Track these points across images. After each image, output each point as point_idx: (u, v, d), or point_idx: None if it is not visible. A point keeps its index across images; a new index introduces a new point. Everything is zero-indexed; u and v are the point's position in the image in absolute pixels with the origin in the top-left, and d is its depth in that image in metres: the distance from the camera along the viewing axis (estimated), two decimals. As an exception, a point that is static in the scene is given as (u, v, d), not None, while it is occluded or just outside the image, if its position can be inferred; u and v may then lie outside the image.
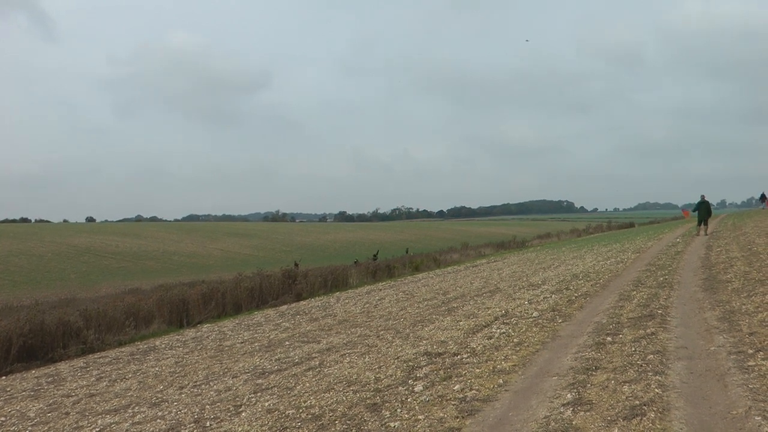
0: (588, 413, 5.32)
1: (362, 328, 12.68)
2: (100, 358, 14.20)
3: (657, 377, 6.08)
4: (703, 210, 27.53)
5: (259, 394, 8.14)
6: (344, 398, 7.00)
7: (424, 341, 9.70)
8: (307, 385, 8.12)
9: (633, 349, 7.27)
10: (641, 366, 6.51)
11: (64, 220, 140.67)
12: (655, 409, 5.21)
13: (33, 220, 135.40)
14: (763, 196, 55.52)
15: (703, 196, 28.11)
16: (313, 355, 10.44)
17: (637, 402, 5.41)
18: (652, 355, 6.88)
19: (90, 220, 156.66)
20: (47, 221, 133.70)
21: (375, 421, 6.01)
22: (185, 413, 7.80)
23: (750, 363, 6.22)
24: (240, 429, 6.66)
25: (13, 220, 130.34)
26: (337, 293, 22.61)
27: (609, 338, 7.97)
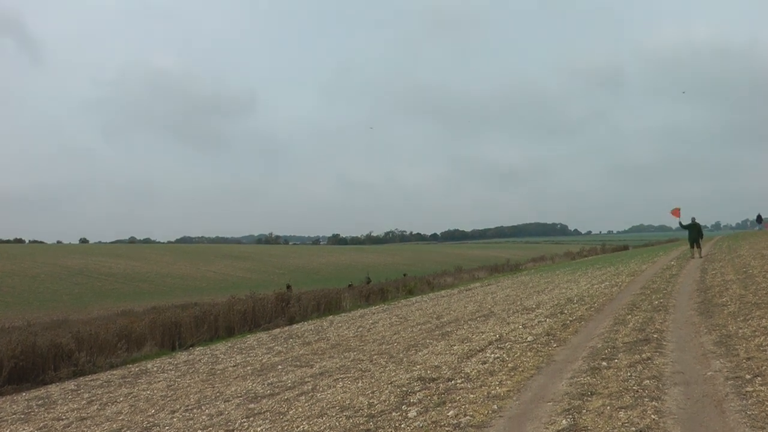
0: (584, 440, 5.26)
1: (355, 353, 12.59)
2: (91, 380, 14.06)
3: (653, 403, 6.03)
4: (694, 232, 27.64)
5: (251, 418, 8.04)
6: (337, 424, 6.91)
7: (418, 366, 9.62)
8: (300, 410, 8.02)
9: (629, 374, 7.21)
10: (637, 391, 6.45)
11: (58, 241, 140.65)
12: (651, 435, 5.15)
13: (27, 241, 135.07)
14: (759, 218, 55.71)
15: (693, 218, 28.24)
16: (306, 379, 10.34)
17: (634, 428, 5.35)
18: (648, 381, 6.83)
19: (83, 241, 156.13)
20: (41, 242, 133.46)
21: (368, 447, 5.93)
22: (176, 439, 7.69)
23: (748, 389, 6.17)
24: (231, 455, 6.56)
25: (7, 241, 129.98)
26: (330, 317, 22.50)
27: (604, 363, 7.92)
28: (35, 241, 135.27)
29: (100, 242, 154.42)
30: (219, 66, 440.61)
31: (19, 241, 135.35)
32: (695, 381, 6.79)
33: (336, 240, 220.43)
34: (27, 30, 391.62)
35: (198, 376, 12.60)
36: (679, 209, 29.75)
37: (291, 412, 7.97)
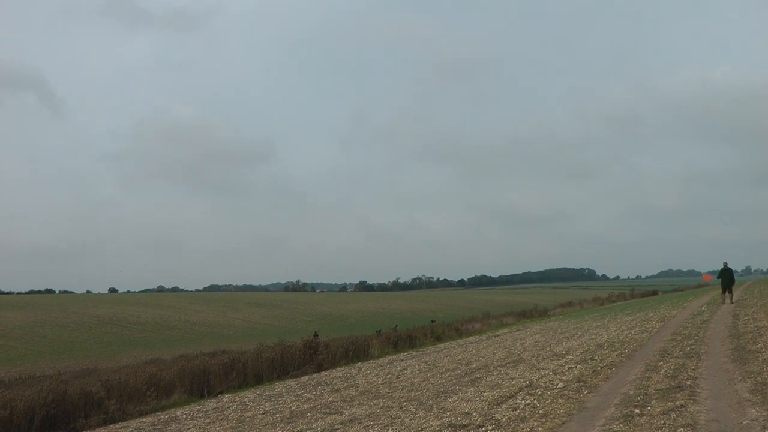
0: (618, 488, 5.21)
1: (385, 399, 12.54)
2: (121, 428, 14.12)
3: (688, 450, 5.95)
4: (726, 277, 27.37)
5: (281, 467, 8.05)
6: (368, 471, 6.90)
7: (448, 413, 9.58)
8: (331, 457, 8.01)
9: (662, 421, 7.13)
10: (671, 439, 6.38)
11: (87, 291, 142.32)
12: (687, 483, 5.10)
13: (57, 291, 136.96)
14: None
15: (725, 263, 27.99)
16: (336, 426, 10.32)
17: (669, 476, 5.30)
18: (682, 429, 6.75)
19: (112, 290, 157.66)
20: (71, 292, 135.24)
21: (400, 495, 5.92)
22: (207, 487, 7.71)
23: (784, 436, 6.08)
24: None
25: (38, 291, 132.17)
26: (359, 363, 22.42)
27: (637, 410, 7.84)
28: (65, 291, 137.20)
29: (128, 291, 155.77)
30: (237, 114, 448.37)
31: (50, 291, 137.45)
32: (731, 430, 6.69)
33: (363, 287, 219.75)
34: (47, 85, 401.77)
35: (227, 424, 12.62)
36: (710, 276, 34.04)
37: (322, 460, 7.96)
